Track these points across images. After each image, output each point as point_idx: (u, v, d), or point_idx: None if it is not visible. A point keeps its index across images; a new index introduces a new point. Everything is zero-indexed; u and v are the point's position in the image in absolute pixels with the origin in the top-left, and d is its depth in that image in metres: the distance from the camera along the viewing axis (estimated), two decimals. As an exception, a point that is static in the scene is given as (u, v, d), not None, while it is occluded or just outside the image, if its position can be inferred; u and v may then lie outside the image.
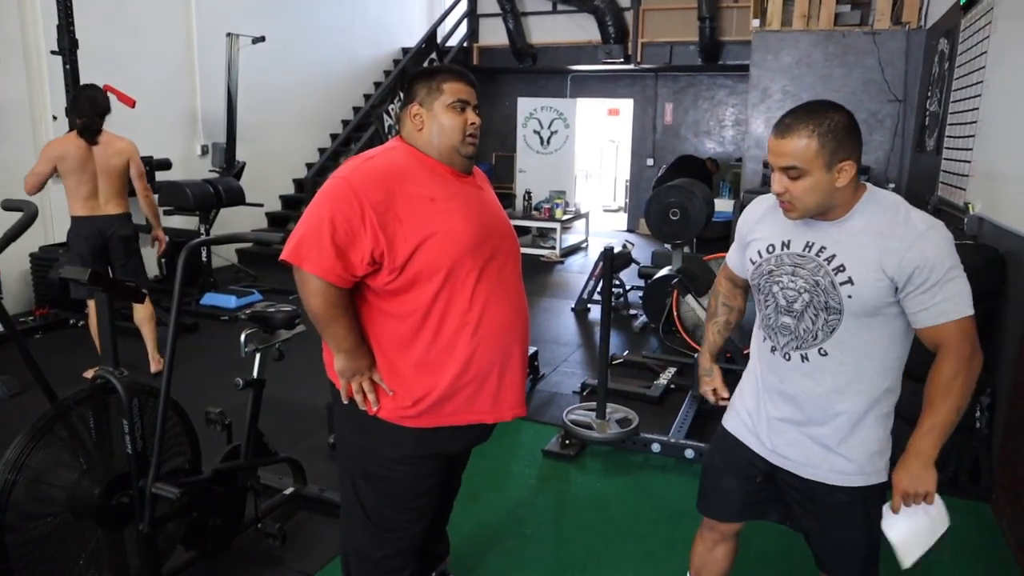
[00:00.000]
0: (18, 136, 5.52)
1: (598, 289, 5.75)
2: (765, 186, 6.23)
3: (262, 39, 6.98)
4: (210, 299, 5.91)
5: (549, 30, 10.43)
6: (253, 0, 7.60)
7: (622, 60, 9.70)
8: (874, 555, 1.67)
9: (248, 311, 2.47)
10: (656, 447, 3.34)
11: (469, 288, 1.68)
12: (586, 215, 9.84)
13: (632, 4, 9.61)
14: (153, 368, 4.27)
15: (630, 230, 11.16)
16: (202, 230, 6.03)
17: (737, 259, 1.81)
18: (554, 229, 8.92)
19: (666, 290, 4.98)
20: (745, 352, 2.18)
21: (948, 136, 4.45)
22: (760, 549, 2.58)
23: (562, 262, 8.50)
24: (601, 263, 5.43)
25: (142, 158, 4.18)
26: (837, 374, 1.56)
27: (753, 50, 6.48)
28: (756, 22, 6.44)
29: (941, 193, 4.44)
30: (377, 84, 9.87)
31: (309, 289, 1.61)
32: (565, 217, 8.95)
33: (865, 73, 6.15)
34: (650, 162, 10.93)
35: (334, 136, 9.16)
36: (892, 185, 6.11)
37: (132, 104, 5.12)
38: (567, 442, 3.40)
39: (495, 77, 11.44)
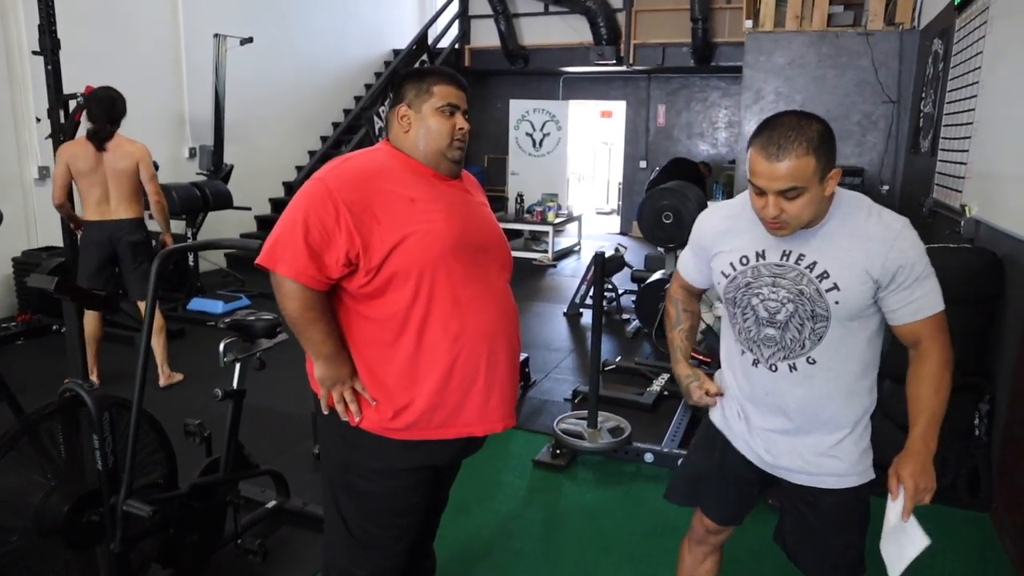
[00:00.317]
0: (1, 138, 5.43)
1: (590, 293, 5.68)
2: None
3: (250, 40, 6.90)
4: (197, 304, 5.83)
5: (541, 31, 10.37)
6: (241, 0, 7.52)
7: (614, 62, 9.65)
8: (863, 554, 1.67)
9: (227, 320, 2.40)
10: (649, 457, 3.27)
11: (451, 293, 1.62)
12: (579, 218, 9.79)
13: (624, 5, 9.57)
14: (162, 382, 4.13)
15: (623, 233, 11.11)
16: (189, 234, 5.95)
17: (694, 270, 1.78)
18: (546, 232, 8.86)
19: (659, 294, 4.92)
20: None
21: (943, 137, 4.41)
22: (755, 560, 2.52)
23: (554, 266, 8.43)
24: (593, 268, 5.36)
25: None
26: (826, 380, 1.55)
27: (746, 51, 6.44)
28: (749, 23, 6.39)
29: (936, 195, 4.39)
30: (368, 86, 9.80)
31: (284, 292, 1.58)
32: (558, 220, 8.90)
33: (858, 74, 6.11)
34: (643, 164, 10.89)
35: (324, 139, 9.09)
36: (886, 187, 6.07)
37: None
38: (558, 452, 3.33)
39: (487, 79, 11.39)
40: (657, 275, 5.18)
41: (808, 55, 6.22)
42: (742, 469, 1.72)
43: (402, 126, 1.70)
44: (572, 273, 7.94)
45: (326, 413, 1.71)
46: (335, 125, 9.23)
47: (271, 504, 2.70)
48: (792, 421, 1.59)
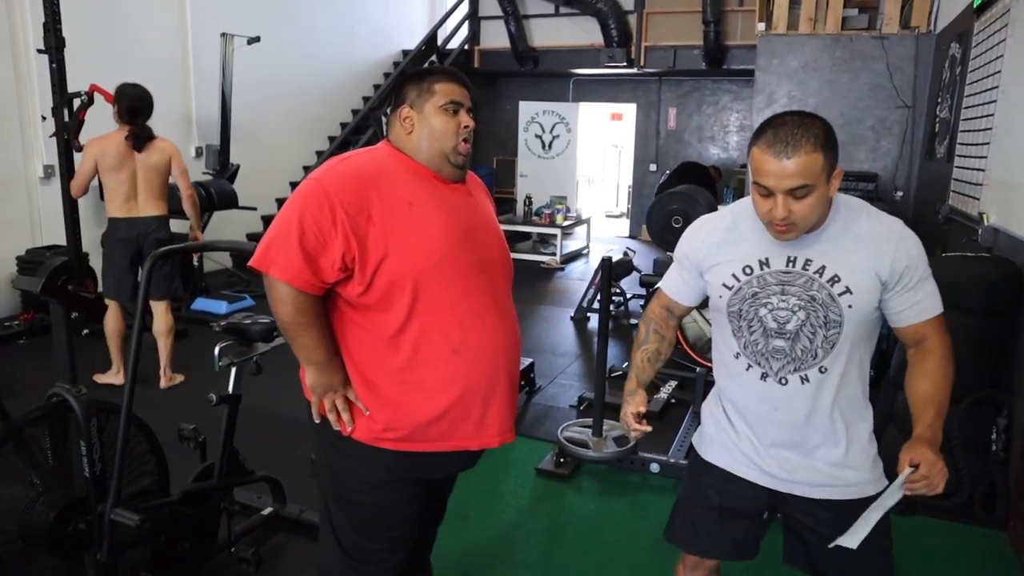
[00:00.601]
0: (6, 137, 5.41)
1: (598, 298, 5.61)
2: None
3: (257, 39, 6.86)
4: (201, 304, 5.79)
5: (551, 33, 10.30)
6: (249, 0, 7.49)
7: (625, 64, 9.56)
8: (892, 557, 1.62)
9: (223, 323, 2.34)
10: (655, 467, 3.19)
11: (451, 303, 1.57)
12: (587, 221, 9.71)
13: (635, 7, 9.49)
14: (163, 383, 4.08)
15: (632, 236, 11.03)
16: (193, 234, 5.91)
17: (683, 286, 1.69)
18: (555, 235, 8.79)
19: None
20: None
21: (960, 143, 4.31)
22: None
23: (562, 269, 8.37)
24: (600, 273, 5.29)
25: None
26: (835, 388, 1.52)
27: (758, 54, 6.35)
28: (761, 26, 6.30)
29: (952, 202, 4.30)
30: (376, 87, 9.75)
31: (276, 296, 1.52)
32: (566, 223, 8.84)
33: (873, 78, 6.01)
34: (653, 167, 10.80)
35: (332, 139, 9.04)
36: (900, 193, 5.97)
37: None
38: (562, 460, 3.26)
39: (496, 80, 11.34)
40: (665, 280, 5.10)
41: (822, 58, 6.13)
42: (747, 503, 1.63)
43: (405, 128, 1.65)
44: (580, 276, 7.86)
45: (317, 421, 1.66)
46: (343, 125, 9.18)
47: (267, 511, 2.65)
48: (803, 434, 1.54)
